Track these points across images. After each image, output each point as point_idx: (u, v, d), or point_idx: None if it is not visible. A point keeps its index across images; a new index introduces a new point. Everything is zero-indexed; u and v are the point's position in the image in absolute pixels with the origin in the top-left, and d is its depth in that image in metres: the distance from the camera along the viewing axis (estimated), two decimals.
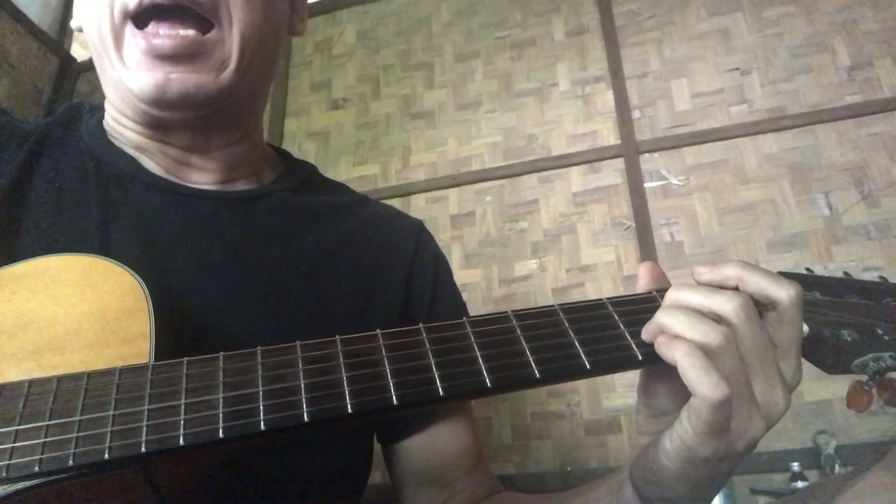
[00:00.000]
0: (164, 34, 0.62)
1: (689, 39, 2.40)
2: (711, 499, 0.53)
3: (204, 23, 0.64)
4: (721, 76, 2.31)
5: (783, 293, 0.49)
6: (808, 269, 0.61)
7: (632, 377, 2.04)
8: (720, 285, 0.51)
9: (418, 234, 0.87)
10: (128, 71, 0.64)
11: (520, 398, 2.09)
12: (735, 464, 0.50)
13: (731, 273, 0.51)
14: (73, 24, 0.73)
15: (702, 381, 0.45)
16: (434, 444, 0.78)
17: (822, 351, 0.55)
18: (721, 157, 2.19)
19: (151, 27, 0.63)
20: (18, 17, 2.78)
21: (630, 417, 1.97)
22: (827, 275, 0.58)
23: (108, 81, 0.68)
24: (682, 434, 0.47)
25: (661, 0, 2.48)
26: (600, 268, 2.18)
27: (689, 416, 0.46)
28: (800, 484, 1.68)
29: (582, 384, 2.03)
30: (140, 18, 0.63)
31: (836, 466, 1.70)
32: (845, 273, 0.59)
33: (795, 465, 1.71)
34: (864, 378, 0.55)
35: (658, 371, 0.52)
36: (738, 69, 2.30)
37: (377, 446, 0.80)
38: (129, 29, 0.63)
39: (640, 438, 0.55)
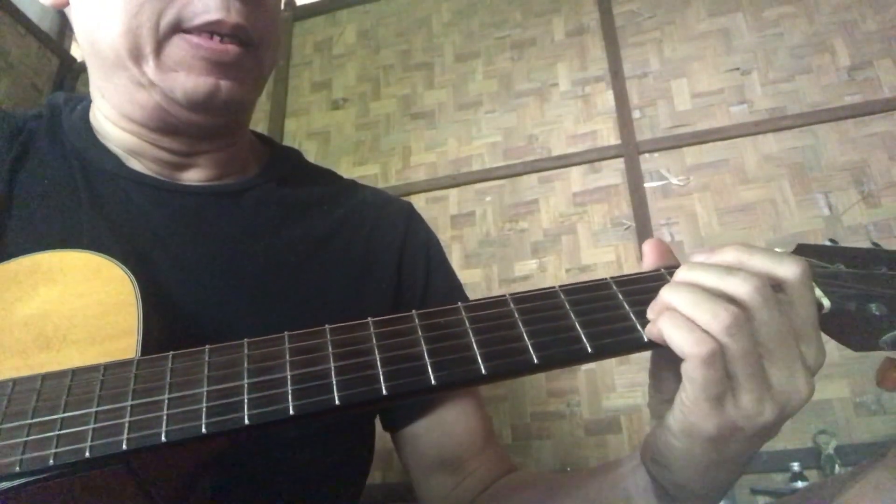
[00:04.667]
0: (218, 42, 0.63)
1: (689, 39, 2.40)
2: (725, 488, 0.51)
3: (239, 41, 0.66)
4: (721, 76, 2.30)
5: (788, 272, 0.46)
6: (831, 240, 0.57)
7: (631, 377, 2.03)
8: None
9: (407, 218, 0.86)
10: (171, 73, 0.63)
11: (520, 398, 2.08)
12: (746, 448, 0.47)
13: (730, 258, 0.49)
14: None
15: (686, 340, 0.43)
16: (440, 426, 0.78)
17: (848, 327, 0.50)
18: (721, 157, 2.19)
19: (204, 36, 0.63)
20: (18, 17, 2.77)
21: (630, 417, 1.96)
22: (852, 245, 0.54)
23: (120, 83, 0.66)
24: (682, 406, 0.45)
25: (661, 0, 2.48)
26: (600, 268, 2.18)
27: (685, 384, 0.45)
28: (800, 484, 1.68)
29: (582, 384, 2.03)
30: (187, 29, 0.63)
31: (836, 466, 1.69)
32: (874, 243, 0.55)
33: (795, 465, 1.71)
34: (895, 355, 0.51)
35: (666, 354, 0.49)
36: (738, 69, 2.29)
37: (378, 444, 0.80)
38: (180, 35, 0.63)
39: (652, 423, 0.53)
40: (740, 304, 0.45)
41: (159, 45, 0.62)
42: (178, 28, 0.62)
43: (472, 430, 0.78)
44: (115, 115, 0.69)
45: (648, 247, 0.54)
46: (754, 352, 0.44)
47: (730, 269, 0.46)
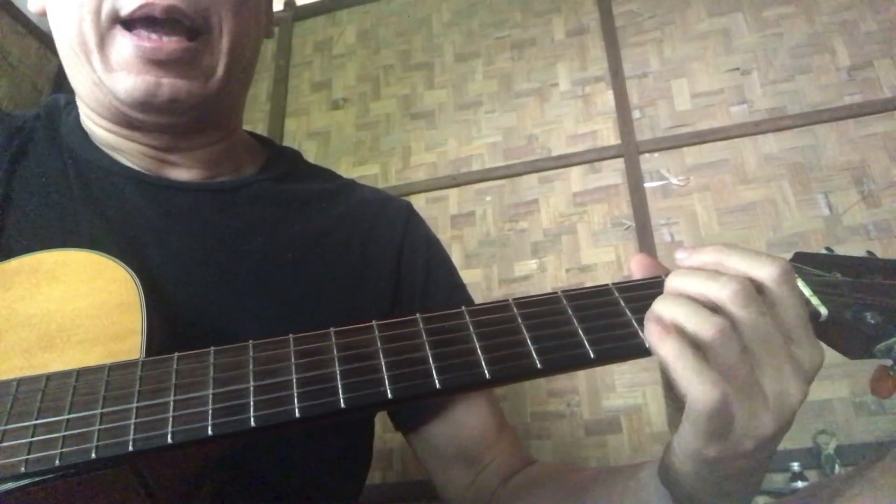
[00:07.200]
0: (157, 40, 0.62)
1: (689, 39, 2.40)
2: (748, 498, 0.51)
3: (191, 32, 0.64)
4: (721, 76, 2.30)
5: (765, 272, 0.46)
6: (828, 248, 0.57)
7: (631, 377, 2.03)
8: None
9: (407, 217, 0.86)
10: (113, 73, 0.63)
11: (520, 398, 2.08)
12: (756, 462, 0.47)
13: (708, 259, 0.49)
14: (33, 5, 0.71)
15: (693, 387, 0.43)
16: (452, 422, 0.78)
17: (844, 335, 0.51)
18: (721, 157, 2.19)
19: (143, 32, 0.62)
20: (18, 17, 2.77)
21: (630, 417, 1.96)
22: (849, 254, 0.54)
23: (83, 81, 0.67)
24: (685, 437, 0.45)
25: (661, 0, 2.48)
26: (600, 268, 2.18)
27: (687, 421, 0.45)
28: (800, 484, 1.68)
29: (582, 384, 2.03)
30: (128, 23, 0.62)
31: (836, 466, 1.69)
32: (869, 252, 0.55)
33: (795, 465, 1.71)
34: (889, 363, 0.51)
35: None
36: (738, 69, 2.29)
37: (377, 444, 0.80)
38: (119, 31, 0.62)
39: (670, 431, 0.53)
40: (723, 311, 0.44)
41: (102, 39, 0.62)
42: (117, 17, 0.62)
43: (484, 422, 0.79)
44: (90, 113, 0.70)
45: (634, 265, 0.54)
46: (744, 363, 0.44)
47: (711, 275, 0.46)
